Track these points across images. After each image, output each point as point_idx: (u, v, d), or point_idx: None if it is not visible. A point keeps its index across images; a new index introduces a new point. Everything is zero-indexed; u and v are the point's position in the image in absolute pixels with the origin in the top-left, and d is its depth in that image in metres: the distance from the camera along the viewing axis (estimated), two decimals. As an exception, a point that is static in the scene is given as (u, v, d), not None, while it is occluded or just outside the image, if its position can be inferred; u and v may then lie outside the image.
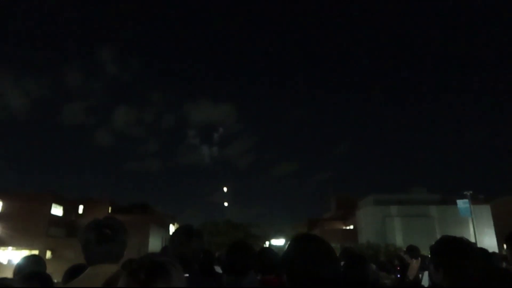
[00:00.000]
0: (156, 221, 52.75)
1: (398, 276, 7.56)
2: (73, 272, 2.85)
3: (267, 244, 50.94)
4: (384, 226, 47.75)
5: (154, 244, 45.26)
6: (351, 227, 59.11)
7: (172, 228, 62.99)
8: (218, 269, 3.76)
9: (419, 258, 7.63)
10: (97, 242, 1.94)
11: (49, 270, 3.30)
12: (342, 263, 2.87)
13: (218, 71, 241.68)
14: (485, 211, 46.43)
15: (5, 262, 39.68)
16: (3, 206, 46.12)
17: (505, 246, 3.31)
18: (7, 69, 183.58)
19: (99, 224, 2.01)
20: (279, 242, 53.88)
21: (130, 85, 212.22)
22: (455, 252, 2.00)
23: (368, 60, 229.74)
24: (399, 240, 43.53)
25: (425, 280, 5.77)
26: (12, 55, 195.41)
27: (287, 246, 1.72)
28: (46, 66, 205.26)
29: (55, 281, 3.01)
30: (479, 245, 24.30)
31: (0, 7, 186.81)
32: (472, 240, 28.22)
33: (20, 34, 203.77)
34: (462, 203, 30.67)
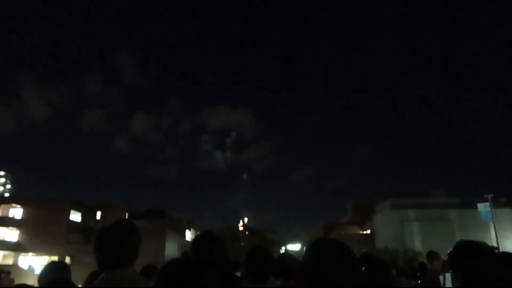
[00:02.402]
0: (172, 226, 52.98)
1: (419, 282, 7.41)
2: (94, 278, 2.86)
3: (283, 249, 50.63)
4: (402, 230, 46.97)
5: (171, 249, 45.44)
6: (368, 231, 58.33)
7: (188, 234, 63.22)
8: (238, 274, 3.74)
9: (440, 260, 7.47)
10: (106, 246, 1.92)
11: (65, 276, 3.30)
12: (362, 268, 2.81)
13: (235, 77, 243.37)
14: (507, 214, 45.23)
15: (25, 267, 40.39)
16: (23, 213, 47.05)
17: None
18: (28, 78, 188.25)
19: (108, 228, 1.99)
20: (295, 247, 53.46)
21: (148, 91, 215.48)
22: (472, 257, 1.95)
23: (386, 64, 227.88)
24: (417, 245, 42.74)
25: (448, 282, 5.62)
26: (32, 64, 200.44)
27: (305, 250, 1.67)
28: (66, 74, 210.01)
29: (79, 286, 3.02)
30: (501, 250, 23.68)
31: (21, 18, 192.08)
32: (494, 244, 27.52)
33: (41, 43, 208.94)
34: (483, 207, 29.98)
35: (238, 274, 3.93)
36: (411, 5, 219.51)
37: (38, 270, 39.81)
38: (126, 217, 52.99)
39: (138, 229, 2.06)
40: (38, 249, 44.34)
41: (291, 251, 48.53)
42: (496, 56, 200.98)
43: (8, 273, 20.31)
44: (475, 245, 2.03)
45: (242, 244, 46.18)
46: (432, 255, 7.62)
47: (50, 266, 3.20)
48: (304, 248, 1.80)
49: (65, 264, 3.35)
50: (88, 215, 51.92)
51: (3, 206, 47.62)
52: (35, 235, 44.42)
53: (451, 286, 5.35)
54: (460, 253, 2.04)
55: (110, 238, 1.93)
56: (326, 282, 1.49)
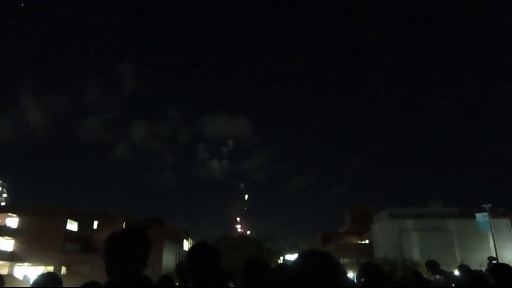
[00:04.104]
0: (170, 236, 52.64)
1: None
2: None
3: (281, 259, 50.33)
4: (401, 240, 46.81)
5: (168, 259, 45.09)
6: (367, 241, 58.08)
7: (186, 243, 62.82)
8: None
9: (442, 274, 7.38)
10: (115, 253, 1.89)
11: (64, 286, 3.28)
12: (362, 279, 2.79)
13: (234, 85, 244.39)
14: (505, 224, 45.18)
15: (21, 277, 39.99)
16: (19, 222, 46.64)
17: None
18: (26, 86, 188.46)
19: (119, 234, 1.97)
20: (293, 257, 53.09)
21: (147, 100, 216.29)
22: None
23: (384, 73, 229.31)
24: (416, 255, 42.56)
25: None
26: (30, 72, 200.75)
27: (292, 262, 1.70)
28: (65, 82, 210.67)
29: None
30: (500, 260, 23.64)
31: (20, 24, 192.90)
32: (493, 254, 27.44)
33: (39, 51, 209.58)
34: (481, 217, 29.94)
35: (232, 285, 3.89)
36: (408, 9, 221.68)
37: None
38: (123, 226, 52.62)
39: (149, 238, 2.03)
40: (34, 259, 43.87)
41: (290, 261, 48.11)
42: (496, 63, 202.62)
43: (3, 283, 20.11)
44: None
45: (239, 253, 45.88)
46: (433, 266, 7.51)
47: (42, 277, 3.19)
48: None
49: (56, 274, 3.36)
50: (84, 225, 51.51)
51: (-1, 215, 47.25)
52: (31, 245, 43.99)
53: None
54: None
55: (122, 246, 1.91)
56: None
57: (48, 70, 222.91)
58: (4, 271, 42.45)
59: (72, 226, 49.19)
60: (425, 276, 7.92)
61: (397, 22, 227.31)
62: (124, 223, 53.95)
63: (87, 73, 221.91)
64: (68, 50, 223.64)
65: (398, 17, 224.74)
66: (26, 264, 44.53)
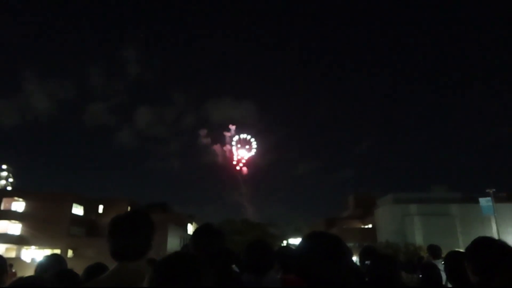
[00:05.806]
0: (174, 220, 53.16)
1: (420, 276, 7.38)
2: (91, 271, 2.85)
3: (284, 243, 50.82)
4: (404, 225, 46.99)
5: (173, 243, 45.64)
6: (370, 226, 58.37)
7: (190, 227, 63.49)
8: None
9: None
10: (120, 236, 1.92)
11: (71, 268, 3.32)
12: (367, 262, 2.81)
13: (240, 69, 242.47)
14: (509, 209, 45.15)
15: (28, 260, 40.66)
16: (26, 206, 47.25)
17: None
18: (31, 72, 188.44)
19: (123, 218, 1.99)
20: (296, 241, 53.62)
21: (152, 85, 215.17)
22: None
23: (389, 59, 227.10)
24: (419, 240, 42.78)
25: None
26: (35, 57, 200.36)
27: (298, 244, 1.73)
28: (70, 67, 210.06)
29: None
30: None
31: (25, 11, 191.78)
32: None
33: (44, 36, 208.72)
34: (484, 201, 30.02)
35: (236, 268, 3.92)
36: (411, 2, 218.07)
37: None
38: (128, 210, 53.11)
39: (152, 220, 2.06)
40: (41, 242, 44.57)
41: (293, 245, 48.61)
42: (497, 51, 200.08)
43: (11, 265, 20.44)
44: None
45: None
46: (434, 250, 7.52)
47: (46, 259, 3.23)
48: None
49: (61, 256, 3.41)
50: (90, 209, 52.14)
51: (5, 199, 47.82)
52: (37, 229, 44.63)
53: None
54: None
55: (125, 229, 1.93)
56: (317, 274, 1.51)
57: (52, 55, 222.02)
58: (12, 254, 43.18)
59: (77, 210, 49.80)
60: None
61: (398, 13, 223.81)
62: (128, 208, 54.49)
63: (91, 58, 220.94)
64: (73, 35, 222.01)
65: (399, 8, 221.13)
66: (33, 247, 45.26)
